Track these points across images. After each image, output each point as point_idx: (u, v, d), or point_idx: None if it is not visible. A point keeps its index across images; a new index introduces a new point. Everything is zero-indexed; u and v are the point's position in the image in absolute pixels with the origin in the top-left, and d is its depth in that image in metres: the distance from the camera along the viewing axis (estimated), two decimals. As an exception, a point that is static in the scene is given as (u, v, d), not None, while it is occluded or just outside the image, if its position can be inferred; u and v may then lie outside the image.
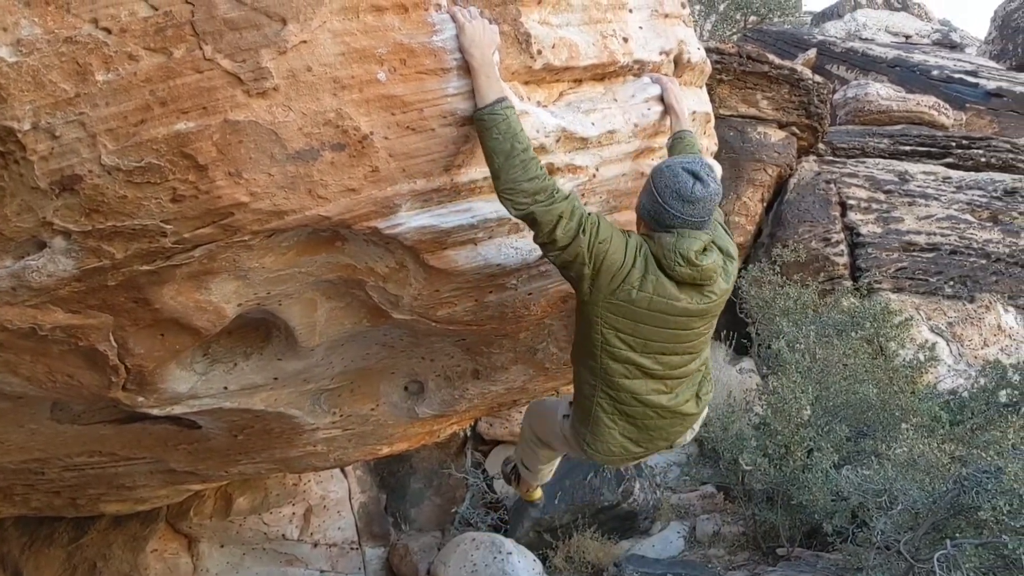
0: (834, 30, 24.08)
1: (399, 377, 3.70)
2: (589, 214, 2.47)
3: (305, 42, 2.07)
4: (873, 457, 5.55)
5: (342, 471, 6.68)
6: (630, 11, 2.94)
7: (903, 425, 5.96)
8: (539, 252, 2.75)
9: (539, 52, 2.57)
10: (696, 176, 2.44)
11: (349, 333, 3.05)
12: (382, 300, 2.79)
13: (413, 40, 2.21)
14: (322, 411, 3.64)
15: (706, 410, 3.06)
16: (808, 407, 5.86)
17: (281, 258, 2.54)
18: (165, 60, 1.97)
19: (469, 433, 7.58)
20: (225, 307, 2.59)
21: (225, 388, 3.09)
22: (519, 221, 2.51)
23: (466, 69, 2.29)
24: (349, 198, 2.29)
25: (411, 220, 2.45)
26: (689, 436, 3.04)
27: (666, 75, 3.15)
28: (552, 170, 2.66)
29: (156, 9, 1.93)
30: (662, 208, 2.47)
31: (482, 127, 2.31)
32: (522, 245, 2.77)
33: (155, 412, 3.05)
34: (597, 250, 2.44)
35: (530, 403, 3.73)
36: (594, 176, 2.85)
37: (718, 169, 2.57)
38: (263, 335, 3.07)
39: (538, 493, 4.21)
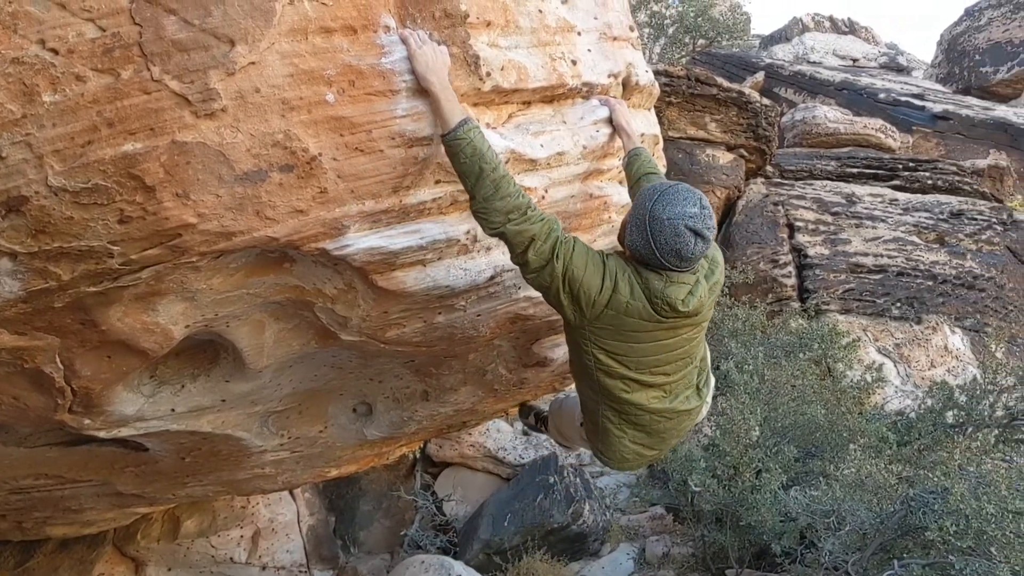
0: (782, 53, 24.62)
1: (348, 399, 3.68)
2: (565, 240, 2.47)
3: (254, 63, 2.07)
4: (821, 478, 5.63)
5: (291, 493, 6.61)
6: (579, 34, 2.98)
7: (851, 446, 6.04)
8: (489, 273, 2.80)
9: (488, 74, 2.59)
10: (699, 235, 2.40)
11: (297, 355, 3.04)
12: (330, 321, 2.79)
13: (362, 62, 2.23)
14: (270, 433, 3.60)
15: (710, 397, 3.10)
16: (757, 428, 5.93)
17: (229, 279, 2.53)
18: (113, 81, 1.96)
19: (419, 455, 7.56)
20: (173, 329, 2.57)
21: (172, 410, 3.05)
22: (495, 239, 2.53)
23: (415, 91, 2.31)
24: (297, 219, 2.29)
25: (360, 241, 2.46)
26: (701, 419, 3.08)
27: (614, 97, 3.19)
28: (501, 192, 2.69)
29: (104, 30, 1.93)
30: (659, 261, 2.45)
31: (449, 152, 2.34)
32: (471, 267, 2.78)
33: (102, 435, 3.00)
34: (571, 276, 2.45)
35: (551, 403, 3.82)
36: (543, 197, 2.88)
37: (706, 202, 2.55)
38: (211, 357, 3.04)
39: None
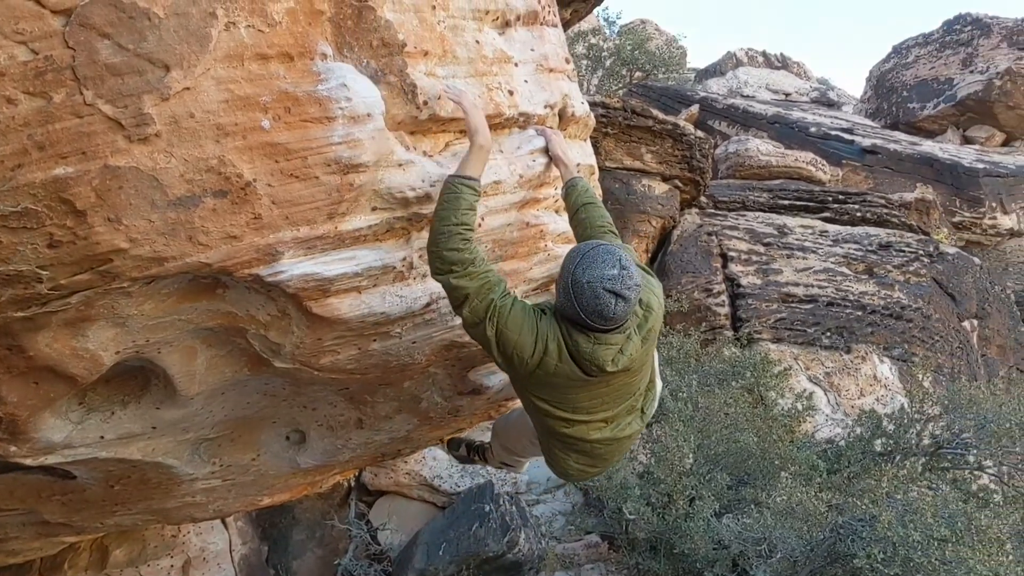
0: (716, 87, 25.24)
1: (280, 426, 3.64)
2: (502, 304, 2.52)
3: (188, 89, 2.07)
4: (753, 505, 5.71)
5: (222, 522, 6.46)
6: (515, 65, 3.04)
7: (782, 473, 6.15)
8: (425, 300, 2.83)
9: (425, 103, 2.63)
10: (619, 295, 2.42)
11: (230, 382, 3.00)
12: (263, 348, 2.77)
13: (298, 89, 2.24)
14: (201, 461, 3.54)
15: (655, 406, 3.15)
16: (690, 455, 6.00)
17: (161, 305, 2.50)
18: (44, 104, 1.94)
19: (353, 483, 7.46)
20: (102, 355, 2.53)
21: (101, 437, 2.98)
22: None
23: (352, 118, 2.33)
24: (231, 245, 2.28)
25: (294, 268, 2.45)
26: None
27: (551, 128, 3.25)
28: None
29: (36, 53, 1.91)
30: (585, 322, 2.47)
31: (441, 190, 2.56)
32: (407, 294, 2.79)
33: (28, 462, 2.92)
34: (503, 340, 2.53)
35: (496, 421, 3.82)
36: (479, 225, 2.91)
37: (631, 254, 2.60)
38: (141, 383, 2.98)
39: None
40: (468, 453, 4.18)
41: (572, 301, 2.45)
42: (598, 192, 3.73)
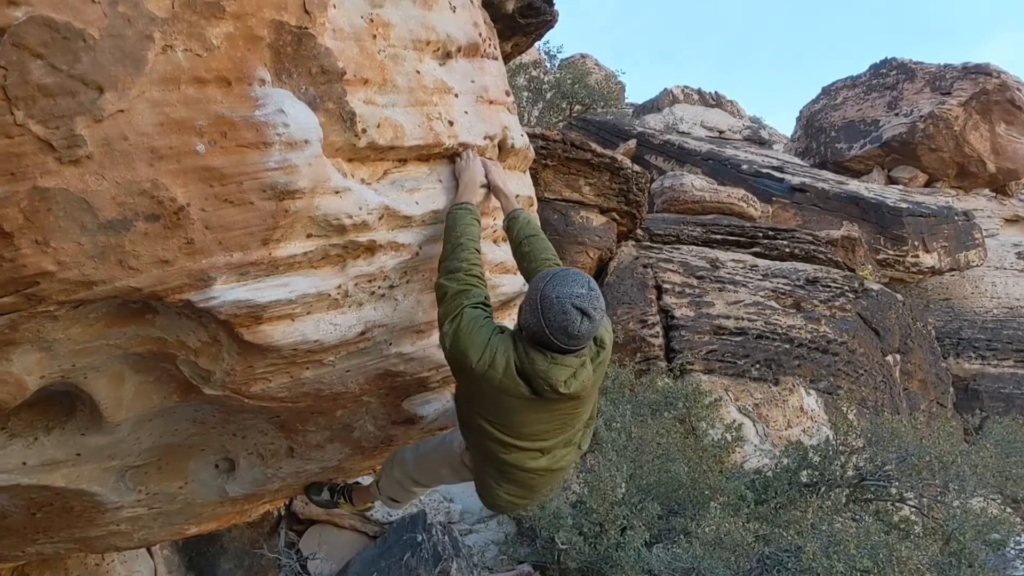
0: (653, 122, 25.78)
1: (209, 454, 3.56)
2: (466, 311, 2.64)
3: (122, 111, 2.05)
4: (683, 535, 5.78)
5: (148, 551, 6.25)
6: (455, 96, 3.07)
7: (712, 503, 6.24)
8: (359, 328, 2.82)
9: (364, 131, 2.64)
10: (585, 313, 2.49)
11: (158, 408, 2.93)
12: (193, 375, 2.71)
13: (235, 113, 2.23)
14: (127, 489, 3.43)
15: (588, 441, 3.21)
16: (623, 485, 6.05)
17: (88, 329, 2.44)
18: (-28, 124, 1.90)
19: (283, 512, 7.32)
20: (26, 379, 2.45)
21: (24, 464, 2.88)
22: (367, 295, 2.76)
23: (289, 144, 2.32)
24: (162, 270, 2.25)
25: (226, 294, 2.42)
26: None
27: (490, 159, 3.29)
28: (374, 247, 2.73)
29: (-36, 73, 1.87)
30: (548, 338, 2.52)
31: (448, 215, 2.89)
32: (341, 321, 2.77)
33: (-56, 489, 2.81)
34: (456, 346, 2.62)
35: (400, 452, 3.70)
36: (417, 254, 2.93)
37: (594, 285, 2.65)
38: (66, 409, 2.90)
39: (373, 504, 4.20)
40: (332, 496, 4.08)
41: (539, 317, 2.52)
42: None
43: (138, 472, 3.42)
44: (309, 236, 2.55)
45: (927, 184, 21.50)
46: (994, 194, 22.48)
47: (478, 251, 2.82)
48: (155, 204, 2.15)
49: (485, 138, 3.23)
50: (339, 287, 2.70)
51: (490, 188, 3.18)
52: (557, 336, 2.52)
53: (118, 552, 5.75)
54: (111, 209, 2.10)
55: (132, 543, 4.12)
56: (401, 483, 3.72)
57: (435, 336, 3.17)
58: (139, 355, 2.66)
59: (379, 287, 2.85)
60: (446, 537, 6.67)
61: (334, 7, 2.51)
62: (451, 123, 3.02)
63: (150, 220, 2.17)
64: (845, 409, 8.78)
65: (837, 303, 11.91)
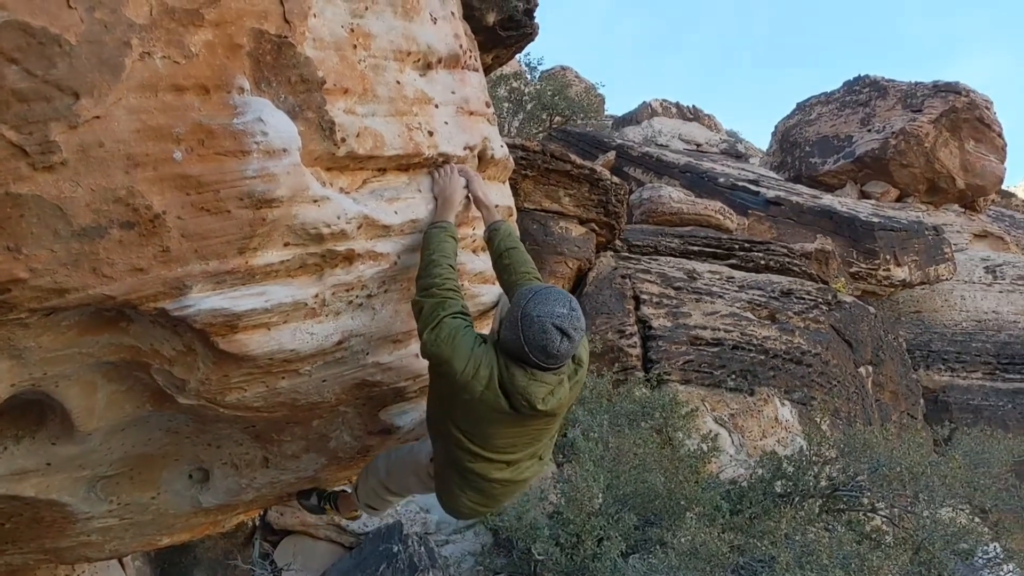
0: (632, 135, 25.94)
1: (183, 464, 3.52)
2: (446, 321, 2.65)
3: (99, 117, 2.02)
4: (659, 546, 5.80)
5: (119, 562, 6.16)
6: (436, 106, 3.08)
7: (688, 514, 6.27)
8: (337, 338, 2.80)
9: (343, 140, 2.63)
10: (564, 333, 2.52)
11: (131, 418, 2.90)
12: (167, 384, 2.69)
13: (213, 121, 2.21)
14: (98, 499, 3.39)
15: (549, 455, 3.23)
16: (600, 495, 6.06)
17: (60, 337, 2.41)
18: (-55, 130, 1.87)
19: (258, 522, 7.25)
20: (-5, 387, 2.41)
21: (-8, 474, 2.84)
22: (345, 305, 2.76)
23: (268, 152, 2.31)
24: (136, 278, 2.22)
25: (201, 302, 2.40)
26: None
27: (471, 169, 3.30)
28: (353, 256, 2.72)
29: (-63, 76, 1.84)
30: (526, 355, 2.56)
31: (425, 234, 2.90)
32: (318, 331, 2.76)
33: (-90, 497, 2.75)
34: (439, 355, 2.63)
35: (375, 460, 3.67)
36: (395, 263, 2.92)
37: (576, 305, 2.67)
38: (37, 418, 2.86)
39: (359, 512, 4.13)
40: (319, 502, 4.06)
41: (519, 334, 2.55)
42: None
43: (110, 482, 3.38)
44: (287, 245, 2.53)
45: (898, 199, 21.79)
46: (963, 210, 22.84)
47: (452, 267, 2.82)
48: (131, 212, 2.13)
49: (465, 148, 3.23)
50: (316, 296, 2.68)
51: (471, 200, 3.18)
52: (536, 354, 2.54)
53: (89, 563, 5.66)
54: (85, 216, 2.08)
55: (103, 554, 4.06)
56: (376, 491, 3.71)
57: (413, 346, 3.16)
58: (112, 364, 2.63)
59: (357, 296, 2.84)
60: (422, 548, 6.65)
61: (315, 17, 2.51)
62: (431, 133, 3.02)
63: (125, 228, 2.14)
64: (819, 420, 8.86)
65: (811, 315, 12.02)
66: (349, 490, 4.05)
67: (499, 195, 3.66)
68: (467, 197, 3.18)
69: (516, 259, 3.00)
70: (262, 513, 7.10)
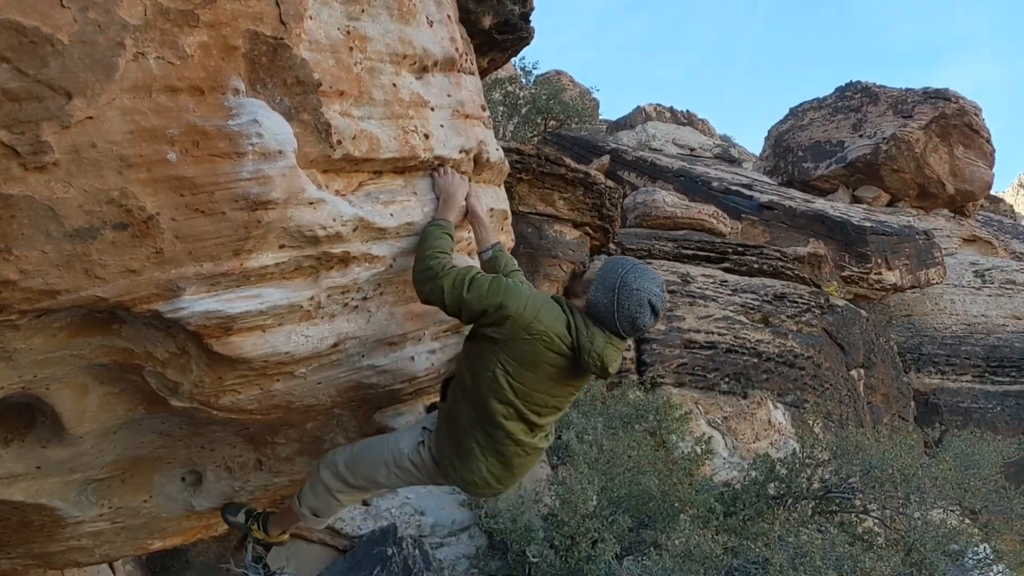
0: (627, 139, 25.98)
1: (176, 467, 3.50)
2: (475, 276, 2.74)
3: (91, 118, 2.00)
4: (653, 548, 5.80)
5: (110, 566, 6.12)
6: (432, 109, 3.07)
7: (682, 516, 6.27)
8: (331, 341, 2.78)
9: (339, 142, 2.62)
10: (655, 312, 2.72)
11: (123, 420, 2.88)
12: (160, 387, 2.67)
13: (207, 123, 2.19)
14: (89, 503, 3.36)
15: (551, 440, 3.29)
16: (594, 498, 6.06)
17: (51, 339, 2.39)
18: (-66, 129, 1.85)
19: (251, 525, 7.21)
20: (-16, 390, 2.39)
21: (-20, 478, 2.82)
22: (340, 307, 2.78)
23: (263, 154, 2.29)
24: (129, 279, 2.21)
25: (195, 304, 2.38)
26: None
27: (464, 172, 3.29)
28: (348, 259, 2.71)
29: (-71, 75, 1.82)
30: (613, 322, 2.72)
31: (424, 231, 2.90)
32: (313, 333, 2.74)
33: None
34: (490, 302, 2.69)
35: (330, 455, 3.42)
36: (391, 266, 2.91)
37: (664, 288, 2.84)
38: (27, 421, 2.84)
39: (287, 536, 3.89)
40: (246, 520, 3.74)
41: (613, 300, 2.71)
42: (510, 238, 3.80)
43: (101, 485, 3.35)
44: (282, 247, 2.52)
45: (890, 204, 21.92)
46: (953, 214, 23.01)
47: (444, 253, 2.86)
48: (124, 213, 2.11)
49: (460, 152, 3.22)
50: (311, 298, 2.67)
51: (467, 214, 3.19)
52: (623, 323, 2.72)
53: (79, 567, 5.62)
54: (78, 217, 2.06)
55: (93, 558, 4.03)
56: (328, 488, 3.40)
57: (408, 348, 3.15)
58: (104, 366, 2.61)
59: (352, 299, 2.83)
60: (417, 551, 6.62)
61: (311, 19, 2.49)
62: (427, 136, 3.02)
63: (118, 229, 2.12)
64: (811, 423, 8.88)
65: (804, 318, 12.06)
66: (278, 510, 3.83)
67: (494, 199, 3.65)
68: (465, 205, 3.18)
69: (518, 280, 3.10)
70: (256, 516, 7.07)
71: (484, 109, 3.49)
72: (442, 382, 3.29)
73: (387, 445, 3.31)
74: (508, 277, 3.02)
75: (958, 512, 7.91)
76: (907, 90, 21.85)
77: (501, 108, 17.44)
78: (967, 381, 16.94)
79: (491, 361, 2.79)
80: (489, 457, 2.97)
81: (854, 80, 23.19)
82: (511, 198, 3.96)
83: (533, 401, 2.85)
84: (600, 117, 27.72)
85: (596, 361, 2.73)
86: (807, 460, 7.30)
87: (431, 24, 3.07)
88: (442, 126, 3.13)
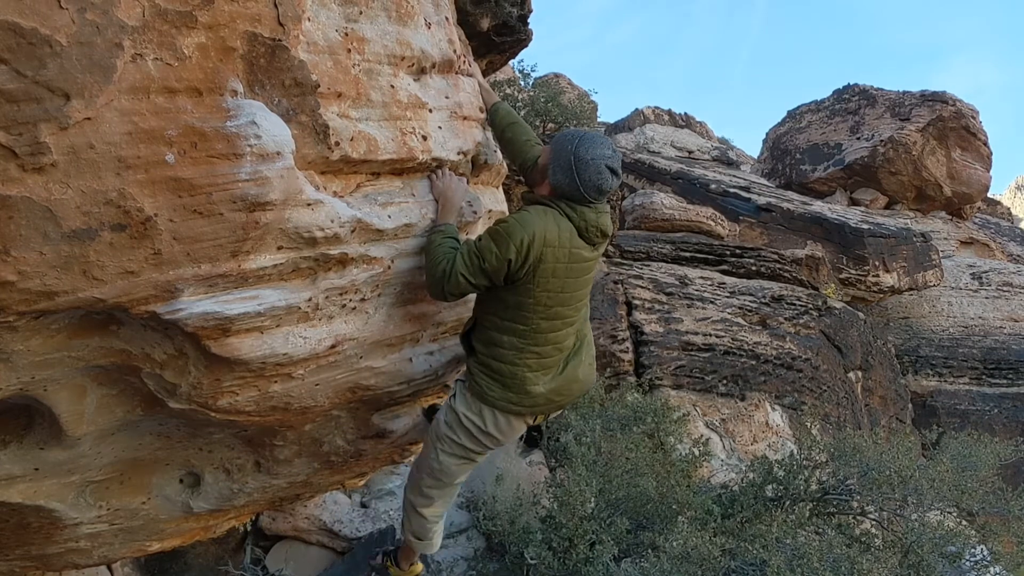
0: (625, 141, 25.97)
1: (174, 469, 3.49)
2: (485, 246, 2.84)
3: (89, 119, 2.00)
4: (651, 550, 5.78)
5: (108, 568, 6.10)
6: (430, 111, 3.07)
7: (680, 518, 6.26)
8: (330, 342, 2.79)
9: (337, 144, 2.62)
10: (614, 173, 2.93)
11: (121, 422, 2.87)
12: (158, 388, 2.67)
13: (206, 124, 2.19)
14: (87, 504, 3.35)
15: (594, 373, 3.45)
16: (592, 500, 6.05)
17: (49, 341, 2.39)
18: (-68, 129, 1.85)
19: (250, 527, 7.20)
20: (-18, 392, 2.39)
21: (-23, 480, 2.81)
22: (337, 309, 2.82)
23: (261, 155, 2.29)
24: (127, 281, 2.21)
25: (193, 306, 2.38)
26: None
27: (462, 174, 3.29)
28: (346, 260, 2.71)
29: (-74, 77, 1.82)
30: (581, 195, 2.91)
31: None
32: (312, 335, 2.74)
33: None
34: (515, 246, 2.81)
35: (408, 482, 3.65)
36: (389, 267, 2.91)
37: (614, 146, 3.04)
38: (24, 422, 2.83)
39: (420, 566, 4.12)
40: (383, 560, 4.13)
41: (573, 176, 2.89)
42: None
43: (99, 487, 3.35)
44: (280, 248, 2.52)
45: (887, 206, 21.95)
46: (950, 217, 23.04)
47: (453, 250, 2.95)
48: (122, 214, 2.11)
49: (459, 153, 3.23)
50: (310, 300, 2.67)
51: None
52: (590, 193, 2.91)
53: (77, 570, 5.61)
54: (76, 218, 2.06)
55: (92, 560, 4.02)
56: (413, 505, 3.62)
57: (406, 350, 3.16)
58: (102, 367, 2.60)
59: (350, 300, 2.83)
60: (414, 554, 6.61)
61: (309, 20, 2.50)
62: (425, 138, 3.02)
63: (116, 230, 2.12)
64: (809, 425, 8.88)
65: (802, 320, 12.06)
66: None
67: (493, 200, 3.66)
68: (468, 203, 3.22)
69: (517, 132, 3.42)
70: (254, 518, 7.06)
71: (482, 111, 3.50)
72: (461, 337, 3.34)
73: (429, 437, 3.43)
74: (505, 131, 3.44)
75: (955, 514, 7.91)
76: (904, 93, 21.88)
77: (500, 110, 17.40)
78: (964, 383, 16.94)
79: (531, 289, 2.93)
80: (542, 375, 3.10)
81: (852, 83, 23.22)
82: (509, 200, 3.96)
83: (572, 301, 3.06)
84: (599, 120, 27.70)
85: (596, 231, 2.99)
86: (805, 462, 7.29)
87: (429, 26, 3.07)
88: (440, 127, 3.13)
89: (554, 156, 2.96)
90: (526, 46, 5.12)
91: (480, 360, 3.16)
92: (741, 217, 17.56)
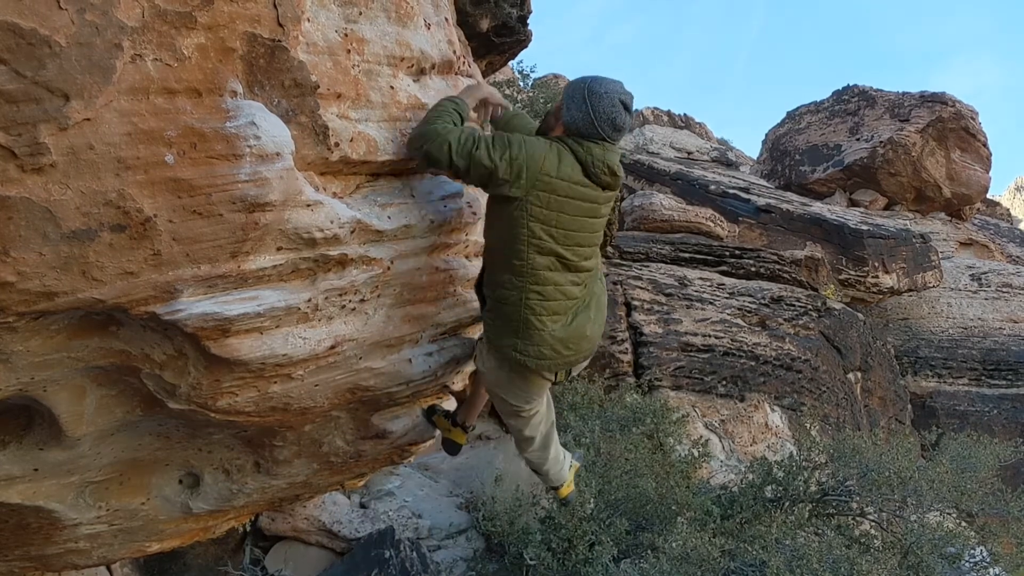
0: (624, 142, 25.94)
1: (173, 469, 3.49)
2: (488, 142, 2.78)
3: (89, 120, 2.00)
4: (650, 551, 5.79)
5: (107, 569, 6.10)
6: (430, 111, 3.08)
7: (679, 519, 6.26)
8: (329, 343, 2.77)
9: (336, 145, 2.63)
10: (627, 108, 2.89)
11: (121, 422, 2.87)
12: (158, 389, 2.67)
13: (205, 125, 2.19)
14: (86, 505, 3.35)
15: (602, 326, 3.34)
16: (591, 500, 6.05)
17: (49, 342, 2.39)
18: (-69, 130, 1.85)
19: (249, 528, 7.20)
20: (-18, 393, 2.39)
21: (-24, 480, 2.81)
22: (337, 308, 2.78)
23: (260, 156, 2.30)
24: (126, 281, 2.21)
25: (193, 306, 2.38)
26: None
27: None
28: (346, 261, 2.71)
29: (-74, 77, 1.82)
30: (595, 130, 2.87)
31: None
32: (311, 335, 2.74)
33: None
34: (501, 156, 2.76)
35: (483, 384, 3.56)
36: (388, 268, 2.91)
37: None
38: (24, 422, 2.83)
39: (569, 487, 4.03)
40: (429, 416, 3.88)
41: (588, 110, 2.85)
42: None
43: (98, 488, 3.35)
44: (279, 249, 2.52)
45: (887, 207, 21.96)
46: (949, 218, 23.04)
47: (453, 123, 2.87)
48: (121, 215, 2.11)
49: (458, 153, 3.22)
50: (309, 301, 2.67)
51: (464, 203, 3.22)
52: (604, 128, 2.86)
53: (76, 570, 5.61)
54: (75, 219, 2.06)
55: (91, 561, 4.02)
56: (523, 441, 3.59)
57: (406, 351, 3.15)
58: (102, 368, 2.60)
59: (350, 301, 2.83)
60: (414, 553, 6.61)
61: (308, 21, 2.50)
62: (424, 139, 3.01)
63: (116, 231, 2.12)
64: (808, 425, 8.88)
65: (801, 321, 12.06)
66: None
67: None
68: (460, 203, 3.19)
69: (521, 118, 3.40)
70: (253, 519, 7.06)
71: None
72: (475, 287, 3.33)
73: (477, 361, 3.39)
74: (508, 124, 3.32)
75: (955, 515, 7.91)
76: (904, 94, 21.89)
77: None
78: (964, 384, 16.94)
79: (522, 217, 2.86)
80: (547, 321, 3.01)
81: (851, 84, 23.23)
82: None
83: (574, 242, 2.96)
84: (598, 120, 27.70)
85: (603, 168, 2.90)
86: (804, 463, 7.29)
87: (428, 26, 3.08)
88: (440, 128, 3.13)
89: (568, 95, 2.95)
90: (526, 47, 5.13)
91: (490, 308, 3.13)
92: (740, 218, 17.55)
